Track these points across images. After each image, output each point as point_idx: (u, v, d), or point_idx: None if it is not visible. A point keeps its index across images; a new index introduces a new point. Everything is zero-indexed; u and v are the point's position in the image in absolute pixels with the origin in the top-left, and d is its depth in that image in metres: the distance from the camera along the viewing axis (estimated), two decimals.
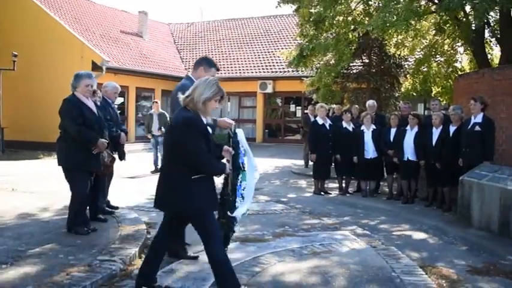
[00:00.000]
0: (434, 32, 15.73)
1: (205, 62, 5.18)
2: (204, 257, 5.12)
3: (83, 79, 5.81)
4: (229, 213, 4.18)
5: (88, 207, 6.26)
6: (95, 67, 18.88)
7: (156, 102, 14.16)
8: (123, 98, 21.23)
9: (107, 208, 7.05)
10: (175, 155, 3.87)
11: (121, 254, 5.06)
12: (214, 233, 3.96)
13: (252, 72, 24.93)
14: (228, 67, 25.63)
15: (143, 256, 5.13)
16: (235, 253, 5.40)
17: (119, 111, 7.90)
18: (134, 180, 11.75)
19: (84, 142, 5.71)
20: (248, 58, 26.20)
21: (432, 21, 15.10)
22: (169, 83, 23.28)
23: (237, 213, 4.19)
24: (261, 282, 4.57)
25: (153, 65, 23.93)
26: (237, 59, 26.31)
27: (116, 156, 6.98)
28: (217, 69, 5.24)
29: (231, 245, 5.71)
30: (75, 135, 5.64)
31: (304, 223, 7.25)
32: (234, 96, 25.49)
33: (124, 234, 5.85)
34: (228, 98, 25.77)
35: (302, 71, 18.01)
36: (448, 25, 13.84)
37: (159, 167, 11.79)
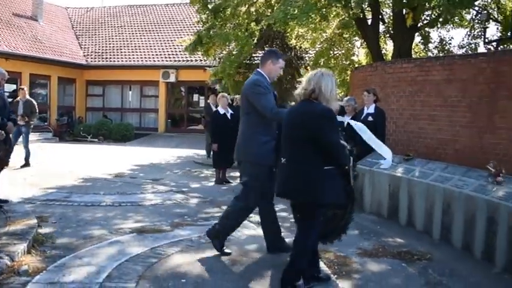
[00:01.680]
0: (334, 26, 16.26)
1: (274, 55, 5.03)
2: (102, 250, 5.01)
3: None
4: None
5: None
6: None
7: (23, 88, 12.46)
8: (15, 85, 19.93)
9: None
10: (308, 146, 3.86)
11: (8, 250, 4.74)
12: (319, 225, 4.04)
13: (155, 61, 24.43)
14: (129, 55, 24.94)
15: (33, 252, 4.88)
16: (130, 245, 5.27)
17: (10, 99, 7.35)
18: (24, 172, 11.10)
19: None
20: (150, 46, 25.61)
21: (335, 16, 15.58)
22: (66, 69, 22.28)
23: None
24: (157, 273, 4.48)
25: (49, 50, 22.71)
26: (139, 46, 25.64)
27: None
28: (284, 60, 5.11)
29: (126, 237, 5.61)
30: None
31: (204, 212, 7.24)
32: (135, 85, 24.91)
33: (12, 230, 5.49)
34: (129, 86, 25.17)
35: (205, 60, 17.95)
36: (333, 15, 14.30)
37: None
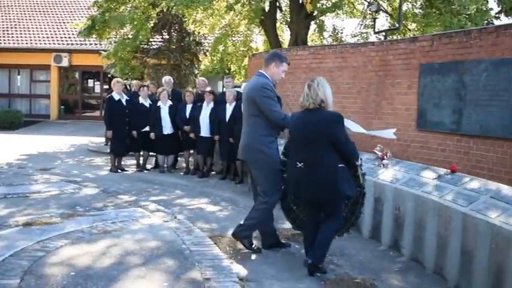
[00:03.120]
0: (228, 11, 16.26)
1: (277, 58, 5.07)
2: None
3: None
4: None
5: None
6: None
7: None
8: None
9: None
10: (325, 149, 4.32)
11: None
12: (340, 215, 4.61)
13: (45, 44, 23.02)
14: (17, 37, 23.33)
15: None
16: (16, 239, 4.94)
17: None
18: None
19: None
20: (41, 28, 24.06)
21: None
22: None
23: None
24: (45, 267, 4.24)
25: None
26: (28, 28, 24.00)
27: None
28: (288, 64, 5.14)
29: (11, 231, 5.28)
30: None
31: (97, 202, 6.96)
32: (24, 69, 23.41)
33: None
34: (17, 71, 23.61)
35: (100, 44, 17.26)
36: (239, 4, 14.34)
37: None
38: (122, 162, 10.24)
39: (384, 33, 14.79)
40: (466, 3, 11.95)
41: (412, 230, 5.11)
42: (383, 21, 19.01)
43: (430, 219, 4.83)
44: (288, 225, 6.21)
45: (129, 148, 10.04)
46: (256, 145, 4.97)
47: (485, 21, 13.65)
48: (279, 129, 5.08)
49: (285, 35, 19.15)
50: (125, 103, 9.78)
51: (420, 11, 15.55)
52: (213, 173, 9.93)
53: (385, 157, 6.08)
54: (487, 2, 13.26)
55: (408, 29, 16.84)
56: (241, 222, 5.17)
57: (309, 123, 4.41)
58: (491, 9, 14.49)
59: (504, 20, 14.67)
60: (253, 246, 5.16)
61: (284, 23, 17.39)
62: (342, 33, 19.91)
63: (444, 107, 7.38)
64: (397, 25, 13.97)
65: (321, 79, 4.50)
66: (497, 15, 14.90)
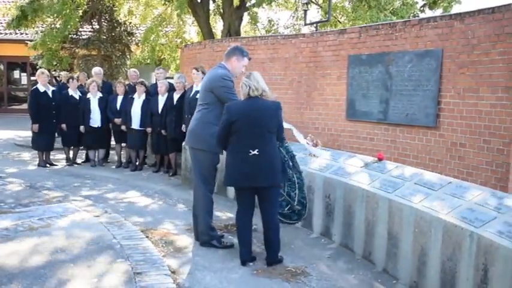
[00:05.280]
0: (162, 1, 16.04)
1: (239, 52, 5.09)
2: None
3: None
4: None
5: None
6: None
7: None
8: None
9: None
10: (272, 135, 4.53)
11: None
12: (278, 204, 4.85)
13: None
14: None
15: None
16: None
17: None
18: None
19: None
20: None
21: None
22: None
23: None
24: None
25: None
26: None
27: None
28: (249, 59, 5.19)
29: None
30: None
31: (23, 198, 6.69)
32: None
33: None
34: None
35: (26, 33, 16.54)
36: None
37: None
38: (51, 157, 9.88)
39: (314, 25, 15.03)
40: None
41: (341, 217, 5.25)
42: (315, 14, 19.35)
43: (359, 206, 4.98)
44: (223, 216, 6.23)
45: (53, 142, 9.70)
46: (201, 133, 5.00)
47: (411, 15, 14.18)
48: None
49: (218, 26, 19.08)
50: (51, 95, 9.41)
51: (349, 4, 15.92)
52: (146, 166, 9.77)
53: (316, 147, 6.19)
54: None
55: (339, 21, 17.20)
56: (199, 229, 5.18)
57: (257, 111, 4.49)
58: (417, 2, 15.07)
59: (428, 13, 15.29)
60: (225, 243, 5.14)
61: (217, 14, 17.30)
62: (277, 24, 20.09)
63: (372, 97, 7.61)
64: (327, 17, 14.23)
65: (254, 72, 4.61)
66: (422, 9, 15.50)
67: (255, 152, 4.42)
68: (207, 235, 5.07)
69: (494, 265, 3.42)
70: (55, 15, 14.07)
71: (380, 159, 5.46)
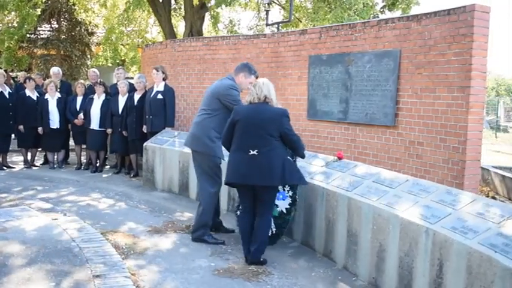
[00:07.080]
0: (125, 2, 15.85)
1: (247, 70, 5.32)
2: None
3: None
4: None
5: None
6: None
7: None
8: None
9: None
10: (273, 138, 4.58)
11: None
12: (274, 204, 4.96)
13: None
14: None
15: None
16: None
17: None
18: None
19: None
20: None
21: None
22: None
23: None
24: None
25: None
26: None
27: None
28: (257, 77, 5.30)
29: None
30: None
31: None
32: None
33: None
34: None
35: None
36: None
37: None
38: (8, 159, 9.63)
39: (276, 26, 15.10)
40: None
41: (303, 215, 5.30)
42: (277, 14, 19.44)
43: (319, 204, 5.03)
44: (184, 217, 6.22)
45: (9, 144, 9.46)
46: (201, 136, 5.27)
47: (371, 16, 14.41)
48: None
49: (180, 26, 18.95)
50: (7, 96, 9.17)
51: (311, 5, 16.06)
52: (107, 167, 9.63)
53: None
54: None
55: (300, 21, 17.33)
56: (194, 225, 5.41)
57: (260, 116, 4.65)
58: (377, 4, 15.34)
59: (388, 14, 15.58)
60: (217, 239, 5.33)
61: (179, 14, 17.20)
62: (239, 24, 20.12)
63: (332, 97, 7.70)
64: (289, 18, 14.32)
65: (264, 79, 4.83)
66: (381, 10, 15.78)
67: (254, 152, 4.58)
68: (200, 231, 5.28)
69: (449, 260, 3.51)
70: (12, 13, 13.71)
71: (340, 158, 5.53)
